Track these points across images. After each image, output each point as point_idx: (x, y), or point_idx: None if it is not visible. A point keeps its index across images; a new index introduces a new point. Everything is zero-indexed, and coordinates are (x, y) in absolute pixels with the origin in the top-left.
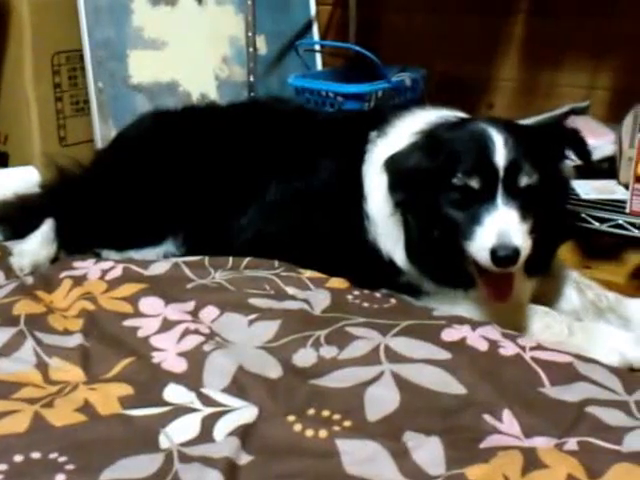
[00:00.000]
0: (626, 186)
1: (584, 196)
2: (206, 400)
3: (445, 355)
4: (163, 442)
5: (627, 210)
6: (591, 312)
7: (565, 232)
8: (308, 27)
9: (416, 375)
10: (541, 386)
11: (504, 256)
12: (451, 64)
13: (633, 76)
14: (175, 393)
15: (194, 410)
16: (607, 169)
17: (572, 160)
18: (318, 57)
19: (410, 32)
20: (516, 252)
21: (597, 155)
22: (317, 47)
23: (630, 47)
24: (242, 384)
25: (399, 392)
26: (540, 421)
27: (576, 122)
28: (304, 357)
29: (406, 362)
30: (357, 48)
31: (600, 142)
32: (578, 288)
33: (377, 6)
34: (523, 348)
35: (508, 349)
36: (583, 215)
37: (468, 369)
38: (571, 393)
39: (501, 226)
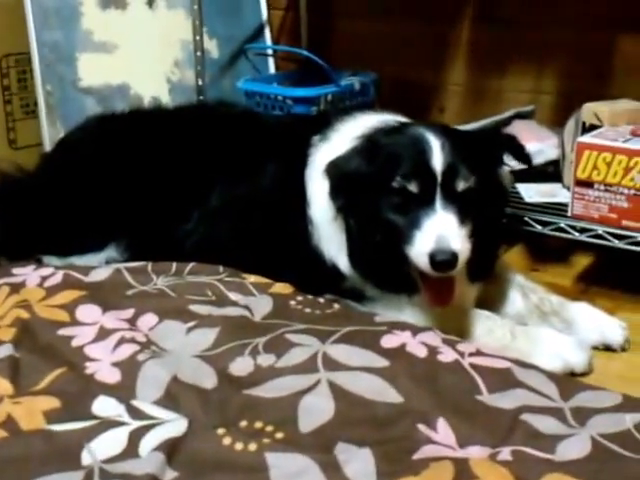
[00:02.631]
0: (569, 189)
1: (528, 199)
2: (135, 413)
3: (383, 362)
4: (85, 458)
5: (569, 213)
6: (535, 316)
7: (506, 236)
8: (260, 31)
9: (352, 383)
10: (478, 393)
11: (442, 260)
12: (403, 68)
13: (576, 80)
14: (104, 406)
15: (122, 424)
16: (552, 172)
17: (510, 166)
18: (271, 61)
19: (362, 37)
20: (454, 256)
21: (541, 159)
22: (269, 51)
23: (572, 52)
24: (175, 395)
25: (334, 401)
26: (475, 430)
27: (520, 126)
28: (241, 366)
29: (343, 370)
30: (305, 52)
31: (543, 146)
32: (522, 292)
33: (328, 11)
34: (462, 354)
35: (447, 355)
36: (526, 218)
37: (405, 377)
38: (507, 400)
39: (439, 230)
